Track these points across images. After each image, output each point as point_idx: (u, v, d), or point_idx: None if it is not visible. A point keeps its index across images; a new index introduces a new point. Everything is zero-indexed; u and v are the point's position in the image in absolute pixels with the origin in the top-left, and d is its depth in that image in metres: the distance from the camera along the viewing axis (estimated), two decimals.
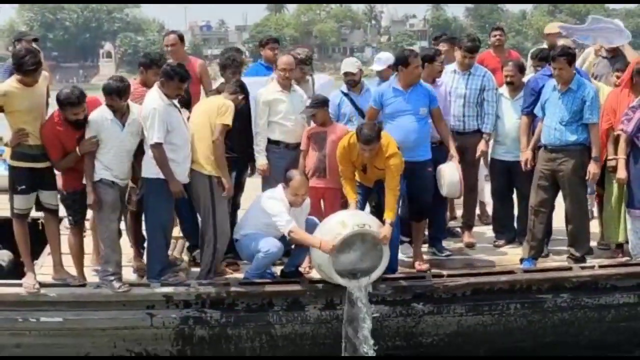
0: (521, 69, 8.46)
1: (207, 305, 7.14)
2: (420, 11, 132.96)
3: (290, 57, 8.01)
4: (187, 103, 7.65)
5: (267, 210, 7.19)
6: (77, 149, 6.99)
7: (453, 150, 7.84)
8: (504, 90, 8.48)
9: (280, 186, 7.36)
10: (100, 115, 7.03)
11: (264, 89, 7.99)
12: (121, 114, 7.03)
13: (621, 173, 7.73)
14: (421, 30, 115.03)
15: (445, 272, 7.56)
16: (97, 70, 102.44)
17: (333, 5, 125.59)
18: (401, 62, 7.64)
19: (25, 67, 6.83)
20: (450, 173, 7.72)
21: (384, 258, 7.13)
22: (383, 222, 7.17)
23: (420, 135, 7.68)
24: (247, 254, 7.36)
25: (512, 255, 8.18)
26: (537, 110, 7.91)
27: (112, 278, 7.07)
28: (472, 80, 8.39)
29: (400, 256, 7.93)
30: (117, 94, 6.96)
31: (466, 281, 7.40)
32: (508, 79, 8.37)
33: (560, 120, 7.62)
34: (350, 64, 8.33)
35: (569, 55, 7.59)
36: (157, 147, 6.94)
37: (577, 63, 8.54)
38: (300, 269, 7.58)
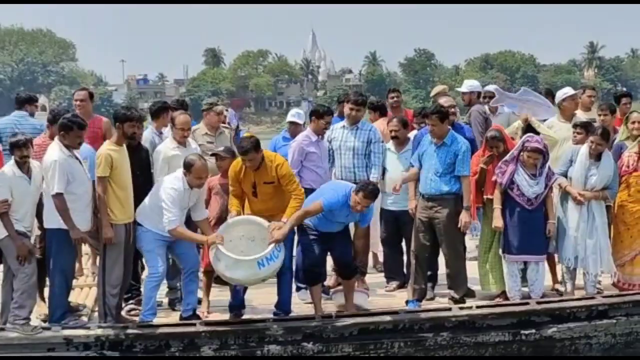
0: (405, 125, 9.14)
1: (106, 347, 7.50)
2: (357, 66, 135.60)
3: (187, 117, 8.58)
4: None
5: (163, 200, 7.62)
6: None
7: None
8: (391, 144, 9.15)
9: (180, 171, 7.80)
10: (10, 173, 7.50)
11: (161, 146, 8.50)
12: (27, 168, 7.52)
13: (497, 222, 8.39)
14: (356, 85, 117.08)
15: (333, 313, 8.07)
16: None
17: (270, 59, 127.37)
18: None
19: None
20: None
21: (259, 255, 7.57)
22: None
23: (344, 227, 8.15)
24: (140, 246, 7.85)
25: (401, 299, 8.71)
26: (413, 160, 8.58)
27: (22, 322, 7.42)
28: (359, 133, 8.97)
29: (298, 301, 8.51)
30: (25, 146, 7.52)
31: (352, 321, 7.89)
32: (393, 134, 9.06)
33: (435, 172, 8.34)
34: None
35: (441, 114, 8.32)
36: (59, 197, 7.39)
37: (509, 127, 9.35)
38: (198, 313, 8.02)
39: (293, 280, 8.27)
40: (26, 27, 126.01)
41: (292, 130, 9.66)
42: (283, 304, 8.08)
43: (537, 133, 8.96)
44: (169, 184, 7.72)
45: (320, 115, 8.77)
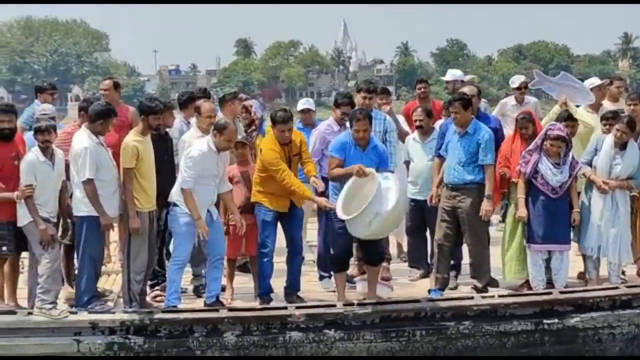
0: (429, 114, 9.15)
1: (131, 332, 7.62)
2: (388, 56, 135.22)
3: (212, 105, 8.70)
4: None
5: (186, 157, 7.77)
6: (16, 195, 7.57)
7: None
8: (416, 134, 9.17)
9: (208, 136, 7.92)
10: (34, 158, 7.62)
11: (186, 135, 8.59)
12: (50, 154, 7.63)
13: (522, 211, 8.39)
14: (387, 76, 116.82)
15: (355, 301, 8.13)
16: (65, 114, 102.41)
17: (301, 50, 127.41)
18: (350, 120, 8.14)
19: None
20: None
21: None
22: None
23: None
24: (172, 226, 8.00)
25: (424, 288, 8.75)
26: (442, 151, 8.61)
27: (49, 307, 7.58)
28: (375, 123, 8.85)
29: (321, 289, 8.69)
30: (47, 131, 7.65)
31: (374, 309, 7.95)
32: (417, 123, 9.08)
33: (458, 161, 8.35)
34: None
35: (464, 101, 8.33)
36: (89, 183, 7.52)
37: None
38: (222, 300, 8.14)
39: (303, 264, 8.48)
40: (60, 18, 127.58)
41: (305, 118, 9.70)
42: (292, 282, 8.27)
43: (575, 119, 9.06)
44: (195, 146, 7.85)
45: (338, 105, 8.79)
